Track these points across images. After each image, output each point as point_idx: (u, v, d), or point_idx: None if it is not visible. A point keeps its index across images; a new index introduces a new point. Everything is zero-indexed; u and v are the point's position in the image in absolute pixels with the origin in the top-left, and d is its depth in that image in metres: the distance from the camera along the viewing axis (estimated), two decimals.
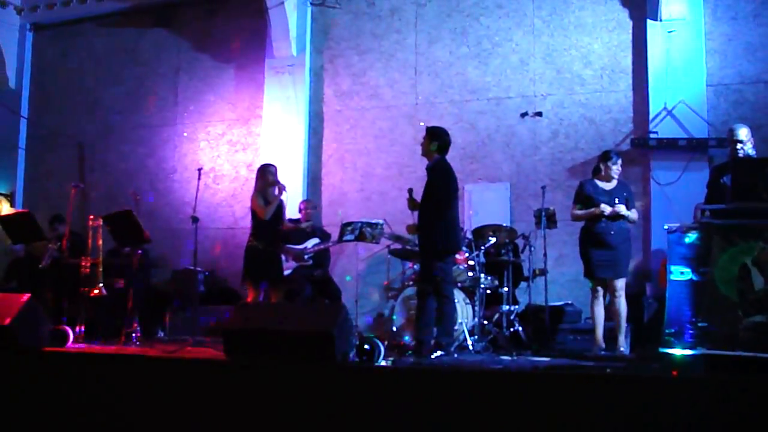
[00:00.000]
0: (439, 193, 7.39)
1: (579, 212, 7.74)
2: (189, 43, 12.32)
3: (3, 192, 12.79)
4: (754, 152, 7.11)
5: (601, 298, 7.56)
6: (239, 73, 11.95)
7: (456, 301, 8.11)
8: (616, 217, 7.48)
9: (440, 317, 7.31)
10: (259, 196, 8.36)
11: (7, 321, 7.01)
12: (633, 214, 7.62)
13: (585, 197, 7.68)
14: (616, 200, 7.51)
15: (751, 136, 7.08)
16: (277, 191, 8.30)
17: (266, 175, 8.42)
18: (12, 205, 12.55)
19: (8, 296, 7.60)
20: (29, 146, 13.17)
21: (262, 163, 8.92)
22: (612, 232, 7.48)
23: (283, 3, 10.99)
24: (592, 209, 7.55)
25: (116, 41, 12.81)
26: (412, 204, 7.77)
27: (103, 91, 12.77)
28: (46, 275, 9.44)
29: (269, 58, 11.47)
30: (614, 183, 7.70)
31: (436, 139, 7.59)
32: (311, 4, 11.44)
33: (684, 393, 5.02)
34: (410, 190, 7.83)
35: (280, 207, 8.41)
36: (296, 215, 9.80)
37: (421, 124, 10.25)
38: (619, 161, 7.72)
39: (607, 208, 7.46)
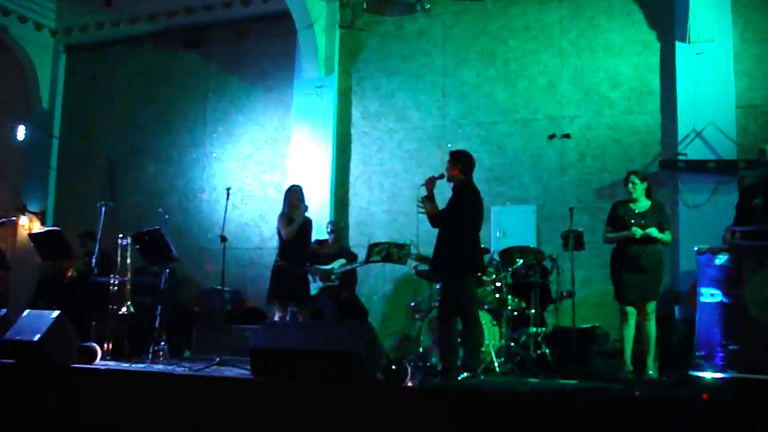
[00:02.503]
0: (461, 213, 7.36)
1: (611, 235, 7.66)
2: (218, 65, 12.46)
3: (34, 210, 12.95)
4: None
5: (631, 321, 7.47)
6: (268, 94, 12.05)
7: (483, 322, 8.07)
8: (648, 239, 7.39)
9: (467, 338, 7.26)
10: (284, 217, 8.50)
11: (37, 337, 7.08)
12: (666, 237, 7.51)
13: (617, 219, 7.62)
14: (647, 222, 7.42)
15: None
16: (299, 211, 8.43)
17: (290, 196, 8.59)
18: (42, 224, 12.70)
19: (38, 313, 7.67)
20: (60, 165, 13.35)
21: (290, 184, 9.03)
22: (644, 255, 7.38)
23: (312, 25, 11.10)
24: (624, 232, 7.46)
25: (147, 63, 13.01)
26: (429, 187, 7.46)
27: (134, 112, 12.94)
28: (74, 292, 9.53)
29: (298, 80, 11.58)
30: (647, 204, 7.60)
31: (459, 161, 7.56)
32: (340, 26, 11.53)
33: (715, 417, 4.96)
34: (442, 176, 7.54)
35: (307, 226, 8.50)
36: (324, 236, 9.82)
37: (449, 146, 10.27)
38: (632, 179, 7.58)
39: (638, 231, 7.38)
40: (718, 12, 9.48)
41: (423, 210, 7.50)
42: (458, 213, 7.35)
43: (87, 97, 13.41)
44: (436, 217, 7.43)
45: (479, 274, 7.74)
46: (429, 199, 7.47)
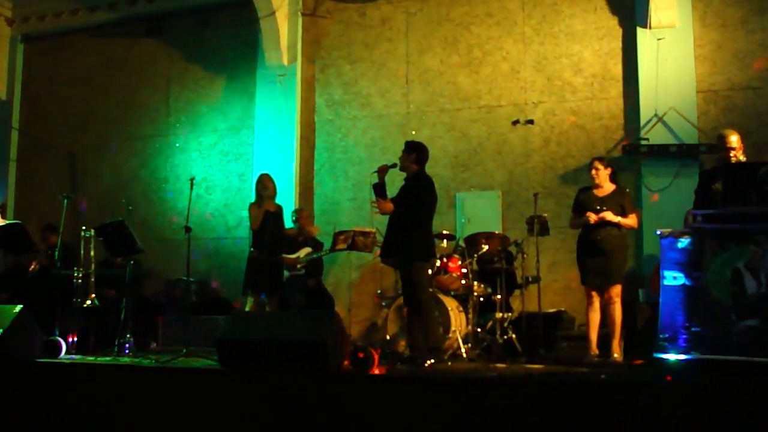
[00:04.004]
0: (417, 202, 7.40)
1: (573, 222, 7.80)
2: (180, 53, 12.33)
3: None
4: (744, 159, 7.13)
5: (596, 305, 7.57)
6: (231, 83, 11.96)
7: (449, 308, 8.13)
8: (608, 224, 7.49)
9: (425, 323, 7.30)
10: (251, 206, 8.64)
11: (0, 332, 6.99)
12: (627, 221, 7.59)
13: (580, 205, 7.72)
14: (604, 207, 7.52)
15: (741, 142, 7.11)
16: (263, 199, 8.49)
17: (255, 185, 8.77)
18: (3, 217, 12.49)
19: (0, 308, 7.57)
20: (21, 157, 13.16)
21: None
22: (603, 239, 7.49)
23: (274, 13, 11.02)
24: (582, 218, 7.59)
25: (108, 52, 12.82)
26: (382, 173, 7.62)
27: (95, 102, 12.76)
28: (37, 286, 9.42)
29: (261, 68, 11.49)
30: (610, 189, 7.71)
31: (414, 151, 7.61)
32: (302, 14, 11.46)
33: (678, 398, 5.03)
34: (395, 165, 7.67)
35: (273, 215, 8.51)
36: (290, 225, 9.79)
37: (413, 133, 10.29)
38: (595, 165, 7.74)
39: (591, 216, 7.49)
40: None
41: (378, 211, 7.55)
42: (414, 202, 7.39)
43: (46, 87, 13.20)
44: (392, 212, 7.47)
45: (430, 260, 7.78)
46: (380, 185, 7.57)
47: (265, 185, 8.59)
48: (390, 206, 7.45)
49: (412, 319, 7.37)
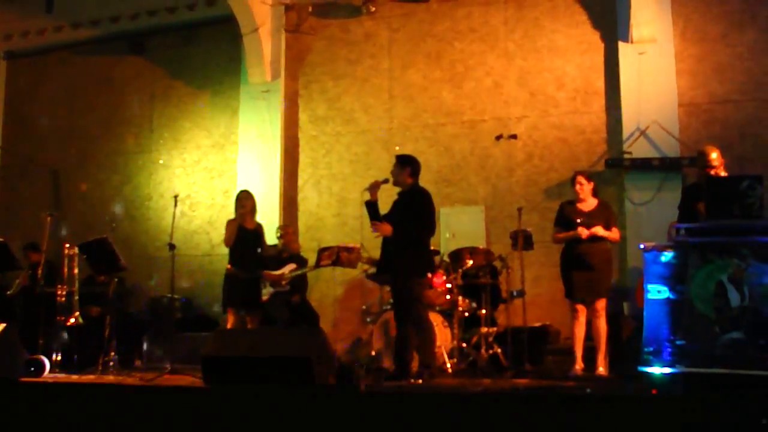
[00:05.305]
0: (418, 217, 7.36)
1: (559, 235, 7.78)
2: (164, 70, 12.31)
3: None
4: (725, 174, 7.18)
5: (581, 319, 7.58)
6: (214, 99, 11.95)
7: (435, 324, 8.11)
8: (595, 238, 7.52)
9: (422, 339, 7.26)
10: (228, 223, 8.58)
11: None
12: (613, 235, 7.65)
13: (564, 219, 7.73)
14: (594, 221, 7.54)
15: (722, 158, 7.16)
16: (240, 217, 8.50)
17: (236, 203, 8.67)
18: None
19: None
20: (3, 175, 13.11)
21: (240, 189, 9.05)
22: (592, 254, 7.50)
23: (257, 30, 11.03)
24: (572, 233, 7.58)
25: (91, 69, 12.79)
26: (374, 190, 7.49)
27: (78, 119, 12.72)
28: (20, 305, 9.36)
29: (244, 84, 11.49)
30: (594, 204, 7.74)
31: (409, 165, 7.56)
32: (285, 30, 11.47)
33: (663, 411, 5.04)
34: (387, 180, 7.57)
35: (252, 232, 8.49)
36: (274, 241, 9.77)
37: (397, 148, 10.30)
38: (579, 180, 7.75)
39: (584, 231, 7.49)
40: (659, 12, 9.63)
41: (378, 234, 7.47)
42: (415, 217, 7.32)
43: (29, 104, 13.15)
44: (394, 232, 7.34)
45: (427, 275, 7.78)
46: (373, 203, 7.46)
47: (242, 203, 8.56)
48: (389, 228, 7.29)
49: (399, 335, 7.31)
